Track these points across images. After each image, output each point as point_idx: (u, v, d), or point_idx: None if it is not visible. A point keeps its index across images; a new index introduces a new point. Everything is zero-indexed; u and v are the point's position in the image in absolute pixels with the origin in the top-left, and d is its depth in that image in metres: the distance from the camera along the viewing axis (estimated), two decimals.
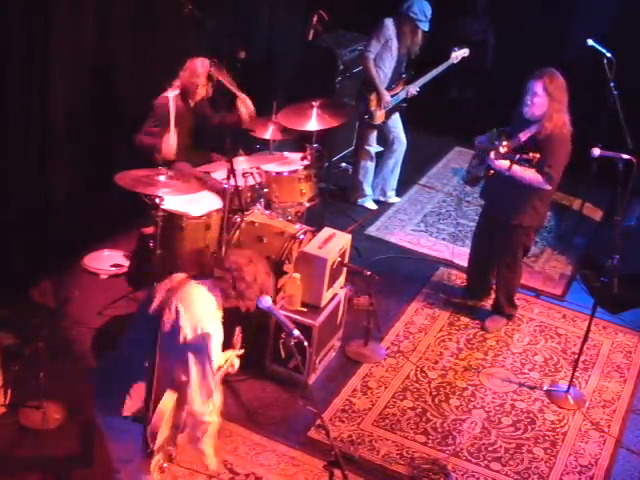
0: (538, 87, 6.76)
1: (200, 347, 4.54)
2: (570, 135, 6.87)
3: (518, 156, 6.70)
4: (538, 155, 6.64)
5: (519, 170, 6.85)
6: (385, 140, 9.19)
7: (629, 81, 8.55)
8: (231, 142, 6.62)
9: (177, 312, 4.59)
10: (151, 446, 4.59)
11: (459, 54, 8.76)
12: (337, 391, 6.74)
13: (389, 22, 8.59)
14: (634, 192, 7.39)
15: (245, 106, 7.45)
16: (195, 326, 4.55)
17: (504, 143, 6.84)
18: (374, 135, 9.11)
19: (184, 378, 4.59)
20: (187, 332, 4.56)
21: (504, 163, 6.86)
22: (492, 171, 7.01)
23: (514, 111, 7.09)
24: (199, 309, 4.60)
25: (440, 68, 8.76)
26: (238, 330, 5.20)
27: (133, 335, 4.77)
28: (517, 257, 7.39)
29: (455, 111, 11.17)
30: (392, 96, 8.79)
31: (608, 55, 8.29)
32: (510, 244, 7.32)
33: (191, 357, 4.55)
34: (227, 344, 5.17)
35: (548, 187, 6.88)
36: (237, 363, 5.20)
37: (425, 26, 8.54)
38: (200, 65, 7.16)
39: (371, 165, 9.25)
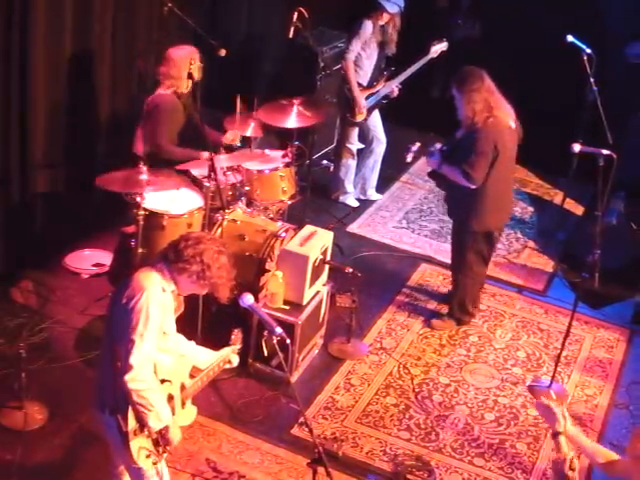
0: (453, 91, 6.87)
1: (129, 325, 4.48)
2: (504, 121, 6.85)
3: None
4: None
5: (447, 169, 6.95)
6: (365, 138, 9.20)
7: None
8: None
9: (120, 298, 4.58)
10: (124, 428, 4.58)
11: (438, 48, 8.69)
12: (320, 388, 6.75)
13: (367, 22, 8.58)
14: (615, 187, 7.43)
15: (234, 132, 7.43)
16: (130, 307, 4.49)
17: (436, 144, 6.99)
18: (355, 133, 9.11)
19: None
20: (121, 313, 4.54)
21: (434, 162, 7.02)
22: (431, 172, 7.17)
23: None
24: (139, 291, 4.52)
25: (419, 63, 8.68)
26: (237, 331, 5.21)
27: (104, 334, 4.77)
28: (467, 261, 7.25)
29: (438, 109, 11.17)
30: (373, 94, 8.80)
31: (588, 51, 8.32)
32: (460, 246, 7.29)
33: (123, 334, 4.52)
34: (224, 343, 5.23)
35: (471, 186, 6.85)
36: (236, 359, 5.23)
37: (390, 7, 8.52)
38: (180, 56, 7.05)
39: (353, 163, 9.24)
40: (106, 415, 4.66)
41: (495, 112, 6.79)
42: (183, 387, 4.97)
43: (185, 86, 7.12)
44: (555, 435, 4.68)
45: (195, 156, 7.03)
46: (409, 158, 7.50)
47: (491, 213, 7.06)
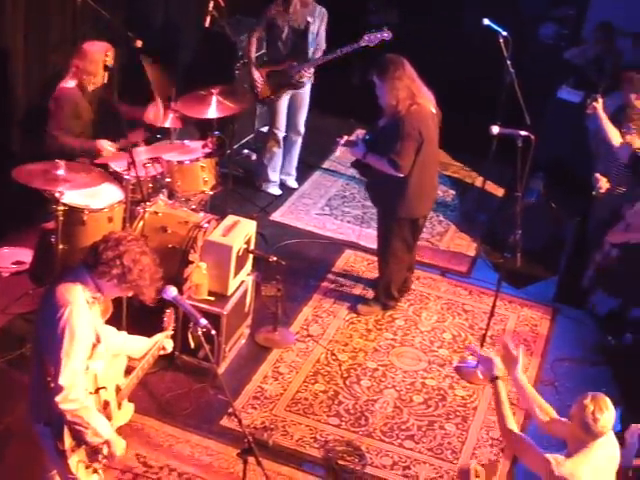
0: (374, 79, 6.87)
1: (55, 342, 4.40)
2: (426, 108, 6.89)
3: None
4: None
5: (372, 158, 6.98)
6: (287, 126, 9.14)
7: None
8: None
9: (43, 313, 4.53)
10: (61, 447, 4.52)
11: (373, 36, 8.43)
12: (248, 378, 6.74)
13: (271, 5, 8.56)
14: (534, 168, 7.52)
15: (156, 110, 7.35)
16: (54, 323, 4.40)
17: (358, 132, 7.02)
18: (281, 119, 8.96)
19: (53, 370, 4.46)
20: (45, 329, 4.48)
21: (358, 151, 7.06)
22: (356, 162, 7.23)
23: None
24: (62, 307, 4.43)
25: (344, 49, 8.46)
26: (170, 312, 5.18)
27: (32, 348, 4.69)
28: (393, 248, 7.31)
29: (358, 95, 11.18)
30: (275, 71, 8.71)
31: (504, 33, 8.41)
32: (385, 233, 7.34)
33: (49, 351, 4.45)
34: (157, 328, 5.22)
35: (399, 174, 6.89)
36: (170, 345, 5.23)
37: None
38: (95, 51, 7.03)
39: (277, 150, 9.13)
40: (41, 425, 4.59)
41: (417, 99, 6.82)
42: (118, 389, 4.92)
43: (99, 81, 7.11)
44: (493, 379, 5.00)
45: (91, 145, 7.03)
46: (337, 152, 7.51)
47: (416, 200, 7.10)
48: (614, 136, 7.88)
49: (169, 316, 5.20)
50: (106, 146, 7.05)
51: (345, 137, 7.37)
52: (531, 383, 6.92)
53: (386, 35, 8.28)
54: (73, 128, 7.08)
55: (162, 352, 5.21)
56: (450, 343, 7.38)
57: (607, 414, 4.52)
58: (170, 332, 5.23)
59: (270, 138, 9.13)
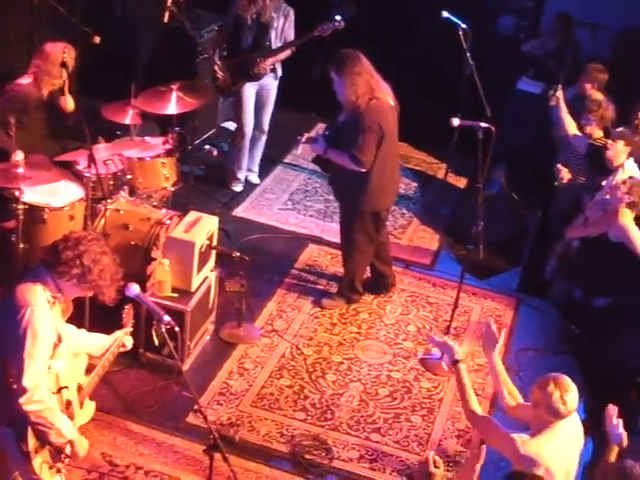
0: (332, 74, 6.86)
1: (17, 344, 4.39)
2: (385, 102, 6.89)
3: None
4: None
5: (333, 154, 6.98)
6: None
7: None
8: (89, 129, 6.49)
9: (4, 314, 4.49)
10: (25, 448, 4.50)
11: (327, 26, 8.31)
12: (213, 374, 6.72)
13: (238, 0, 8.53)
14: (495, 159, 7.55)
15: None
16: (16, 324, 4.39)
17: (319, 126, 7.00)
18: (247, 114, 8.86)
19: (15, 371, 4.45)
20: (6, 330, 4.45)
21: (319, 148, 7.05)
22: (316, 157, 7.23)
23: None
24: (23, 307, 4.42)
25: (297, 42, 8.55)
26: (129, 308, 5.16)
27: None
28: (356, 242, 7.31)
29: (318, 88, 11.16)
30: (234, 63, 8.66)
31: (463, 26, 8.44)
32: (348, 227, 7.34)
33: (11, 352, 4.43)
34: (117, 324, 5.21)
35: (361, 169, 6.89)
36: (129, 341, 5.24)
37: None
38: (56, 52, 6.98)
39: (242, 145, 9.07)
40: (3, 427, 4.56)
41: (376, 93, 6.83)
42: (80, 388, 4.91)
43: (57, 82, 7.05)
44: (455, 363, 5.09)
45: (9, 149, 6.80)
46: (299, 149, 7.51)
47: (378, 193, 7.10)
48: (570, 126, 7.95)
49: (128, 313, 5.19)
50: (18, 157, 6.58)
51: (305, 134, 7.37)
52: None
53: (337, 24, 8.24)
54: (23, 123, 7.02)
55: (122, 349, 5.22)
56: (415, 335, 7.40)
57: (572, 394, 4.68)
58: (129, 329, 5.22)
59: (237, 135, 9.08)
